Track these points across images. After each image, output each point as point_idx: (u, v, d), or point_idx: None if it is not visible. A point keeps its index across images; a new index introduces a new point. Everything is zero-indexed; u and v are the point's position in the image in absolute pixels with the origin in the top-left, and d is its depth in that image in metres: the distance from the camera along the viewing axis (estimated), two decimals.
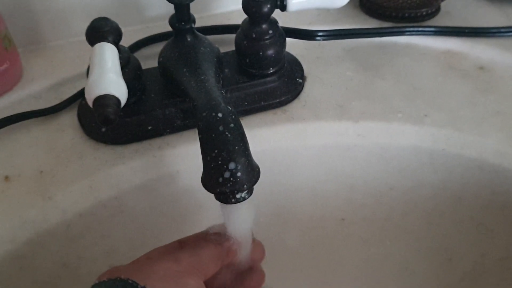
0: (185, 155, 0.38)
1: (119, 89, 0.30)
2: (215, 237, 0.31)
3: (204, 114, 0.29)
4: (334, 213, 0.45)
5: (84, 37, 0.34)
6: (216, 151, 0.27)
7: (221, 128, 0.28)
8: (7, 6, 0.43)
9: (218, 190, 0.28)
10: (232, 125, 0.28)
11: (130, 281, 0.26)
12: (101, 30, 0.33)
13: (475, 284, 0.46)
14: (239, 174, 0.27)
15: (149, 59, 0.42)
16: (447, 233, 0.45)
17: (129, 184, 0.37)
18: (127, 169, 0.37)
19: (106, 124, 0.28)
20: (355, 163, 0.42)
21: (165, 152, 0.38)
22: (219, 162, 0.27)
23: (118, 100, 0.29)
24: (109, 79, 0.30)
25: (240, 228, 0.31)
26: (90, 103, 0.29)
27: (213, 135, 0.28)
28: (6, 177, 0.36)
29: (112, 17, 0.35)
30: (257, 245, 0.34)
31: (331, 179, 0.43)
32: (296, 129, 0.40)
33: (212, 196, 0.29)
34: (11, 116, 0.39)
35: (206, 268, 0.29)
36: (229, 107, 0.29)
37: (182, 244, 0.31)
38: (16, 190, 0.35)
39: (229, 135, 0.28)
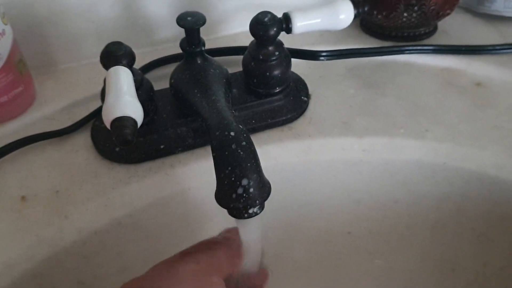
0: (196, 173, 0.39)
1: (135, 111, 0.31)
2: (225, 241, 0.33)
3: (217, 133, 0.30)
4: (341, 226, 0.46)
5: (95, 59, 0.35)
6: (229, 168, 0.28)
7: (233, 146, 0.29)
8: (21, 31, 0.44)
9: (231, 205, 0.29)
10: (244, 143, 0.29)
11: None
12: (115, 54, 0.35)
13: None
14: (251, 190, 0.28)
15: (159, 80, 0.43)
16: (450, 244, 0.46)
17: (142, 202, 0.38)
18: (141, 187, 0.38)
19: (124, 144, 0.29)
20: (360, 177, 0.42)
21: (177, 170, 0.38)
22: (233, 178, 0.28)
23: (135, 121, 0.30)
24: (125, 101, 0.31)
25: (252, 238, 0.32)
26: (108, 125, 0.30)
27: (226, 153, 0.28)
28: (23, 197, 0.37)
29: (122, 40, 0.36)
30: (263, 273, 0.35)
31: (338, 194, 0.44)
32: (302, 146, 0.41)
33: (223, 211, 0.30)
34: (26, 137, 0.40)
35: (223, 268, 0.30)
36: (241, 126, 0.30)
37: (185, 255, 0.31)
38: (33, 209, 0.36)
39: (241, 153, 0.28)
